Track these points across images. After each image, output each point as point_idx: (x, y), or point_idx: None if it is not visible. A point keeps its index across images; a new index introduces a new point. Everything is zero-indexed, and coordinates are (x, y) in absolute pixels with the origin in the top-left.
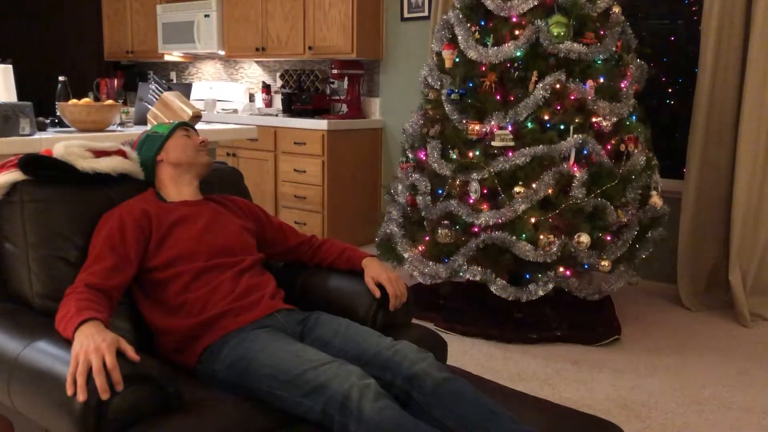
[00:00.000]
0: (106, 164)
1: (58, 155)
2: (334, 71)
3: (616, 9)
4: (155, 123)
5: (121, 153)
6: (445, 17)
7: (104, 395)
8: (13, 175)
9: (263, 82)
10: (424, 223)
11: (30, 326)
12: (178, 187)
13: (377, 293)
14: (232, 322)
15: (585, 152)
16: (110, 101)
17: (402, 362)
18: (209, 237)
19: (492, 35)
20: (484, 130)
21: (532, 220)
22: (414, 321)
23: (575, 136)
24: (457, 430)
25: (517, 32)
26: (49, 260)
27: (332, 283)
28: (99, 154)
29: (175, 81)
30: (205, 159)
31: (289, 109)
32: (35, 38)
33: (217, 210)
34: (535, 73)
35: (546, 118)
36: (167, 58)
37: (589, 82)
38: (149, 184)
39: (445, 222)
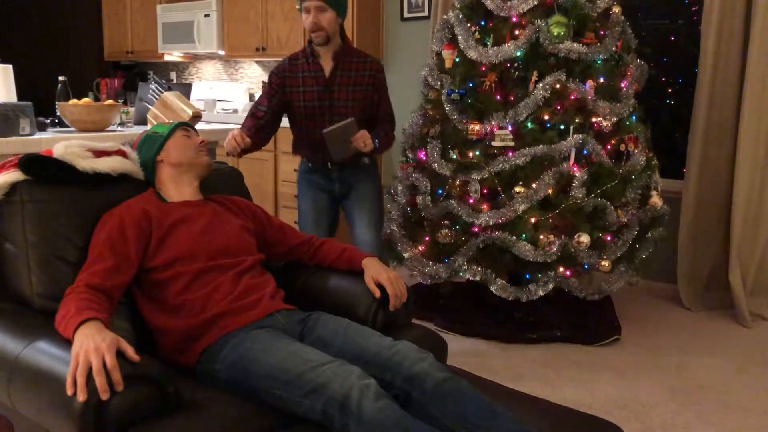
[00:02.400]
0: (105, 164)
1: (58, 155)
2: None
3: (616, 9)
4: (155, 123)
5: (121, 153)
6: (445, 17)
7: (104, 395)
8: (13, 175)
9: (263, 82)
10: (424, 223)
11: (30, 326)
12: (178, 187)
13: (377, 293)
14: (232, 322)
15: (585, 152)
16: (110, 101)
17: (402, 362)
18: (209, 237)
19: (492, 35)
20: (484, 130)
21: (532, 220)
22: (414, 321)
23: (575, 136)
24: (457, 430)
25: (517, 32)
26: (49, 260)
27: (332, 283)
28: (99, 154)
29: (175, 81)
30: (205, 159)
31: None
32: (35, 38)
33: (218, 210)
34: (535, 73)
35: (546, 118)
36: (167, 58)
37: (589, 82)
38: (149, 184)
39: (445, 222)
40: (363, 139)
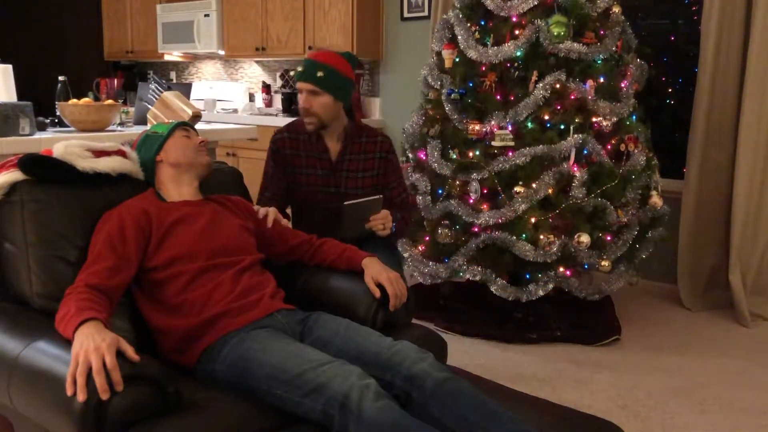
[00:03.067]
0: (105, 164)
1: (57, 155)
2: None
3: (616, 9)
4: (155, 123)
5: (120, 153)
6: (445, 17)
7: (104, 395)
8: (13, 175)
9: (263, 82)
10: (424, 223)
11: (30, 326)
12: (178, 187)
13: (377, 293)
14: (231, 322)
15: (585, 152)
16: (110, 101)
17: (402, 362)
18: (209, 237)
19: (492, 35)
20: (484, 130)
21: (532, 220)
22: (414, 321)
23: (575, 136)
24: (457, 430)
25: (517, 32)
26: (49, 260)
27: (332, 283)
28: (98, 154)
29: (175, 81)
30: (205, 159)
31: (289, 109)
32: (35, 38)
33: (217, 210)
34: (535, 72)
35: (546, 118)
36: (167, 58)
37: (589, 82)
38: (149, 183)
39: (445, 222)
40: (384, 221)
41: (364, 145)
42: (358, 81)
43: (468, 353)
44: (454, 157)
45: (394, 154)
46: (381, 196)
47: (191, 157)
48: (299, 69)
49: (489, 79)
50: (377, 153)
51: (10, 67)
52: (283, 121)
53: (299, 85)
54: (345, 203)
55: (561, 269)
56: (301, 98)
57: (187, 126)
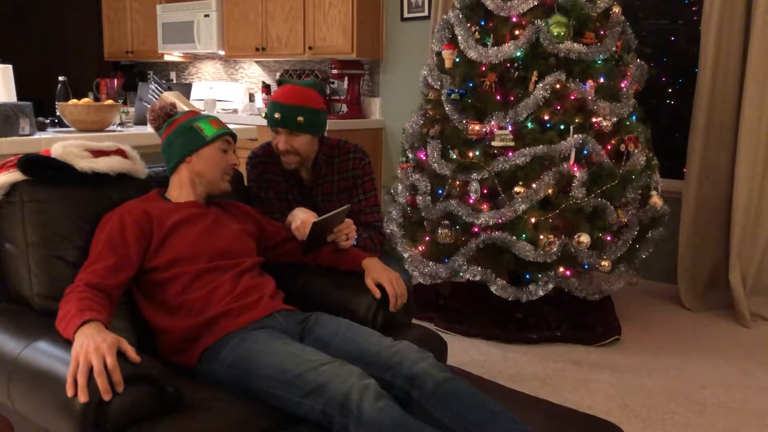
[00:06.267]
0: (104, 164)
1: (56, 155)
2: (334, 71)
3: (616, 9)
4: (203, 114)
5: (119, 152)
6: (445, 17)
7: (106, 396)
8: (13, 175)
9: (263, 82)
10: (424, 223)
11: (30, 326)
12: (188, 189)
13: (377, 294)
14: (232, 322)
15: (585, 152)
16: (110, 101)
17: (402, 362)
18: (210, 239)
19: (492, 35)
20: (484, 130)
21: (532, 220)
22: (414, 321)
23: (575, 136)
24: (457, 430)
25: (517, 32)
26: (49, 260)
27: (332, 284)
28: (97, 153)
29: (175, 81)
30: (226, 186)
31: None
32: (35, 38)
33: (219, 213)
34: (535, 73)
35: (546, 118)
36: (167, 58)
37: (589, 82)
38: (150, 185)
39: (445, 222)
40: (348, 231)
41: (337, 166)
42: (357, 81)
43: (468, 353)
44: (454, 157)
45: (363, 169)
46: (348, 206)
47: (215, 178)
48: (275, 115)
49: (489, 79)
50: (350, 171)
51: (10, 67)
52: None
53: (276, 128)
54: (314, 221)
55: (561, 269)
56: (279, 140)
57: (231, 139)
